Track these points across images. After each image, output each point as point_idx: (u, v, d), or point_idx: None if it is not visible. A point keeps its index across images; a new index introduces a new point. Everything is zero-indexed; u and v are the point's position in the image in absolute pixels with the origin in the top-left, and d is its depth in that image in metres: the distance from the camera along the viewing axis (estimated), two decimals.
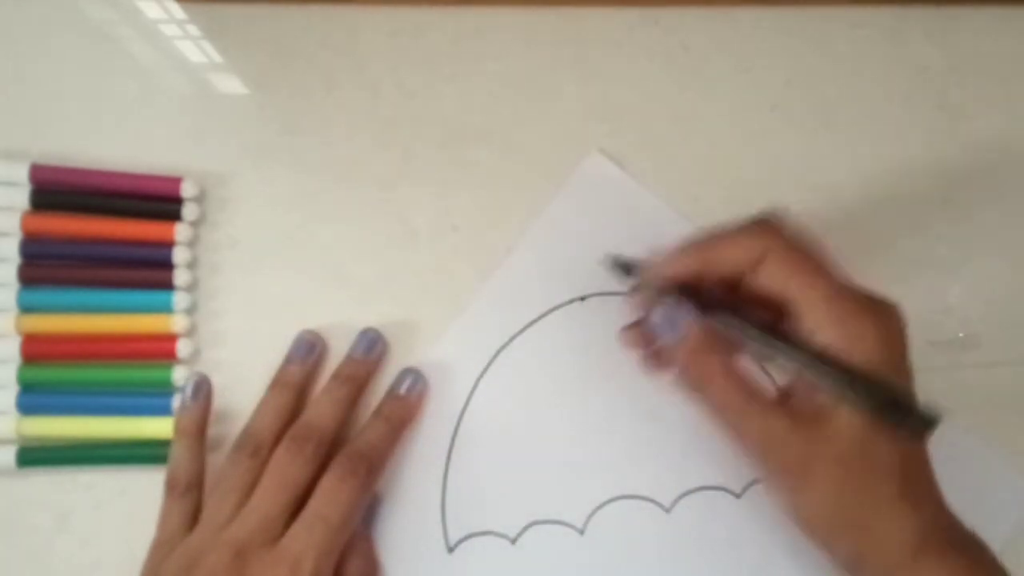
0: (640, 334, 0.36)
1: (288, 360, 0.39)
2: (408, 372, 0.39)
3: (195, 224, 0.41)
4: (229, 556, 0.33)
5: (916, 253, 0.41)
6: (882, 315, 0.31)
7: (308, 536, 0.34)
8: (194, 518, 0.36)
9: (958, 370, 0.40)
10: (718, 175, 0.42)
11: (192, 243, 0.41)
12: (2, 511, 0.40)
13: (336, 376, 0.39)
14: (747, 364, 0.33)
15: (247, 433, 0.37)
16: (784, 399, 0.32)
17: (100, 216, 0.40)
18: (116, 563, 0.39)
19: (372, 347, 0.39)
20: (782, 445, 0.31)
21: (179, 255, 0.40)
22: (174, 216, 0.40)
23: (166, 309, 0.40)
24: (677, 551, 0.38)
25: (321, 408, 0.37)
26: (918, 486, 0.31)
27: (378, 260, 0.41)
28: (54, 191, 0.40)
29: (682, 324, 0.33)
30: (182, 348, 0.40)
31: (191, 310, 0.40)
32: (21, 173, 0.40)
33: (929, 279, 0.41)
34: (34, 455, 0.39)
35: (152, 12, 0.43)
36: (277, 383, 0.38)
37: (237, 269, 0.41)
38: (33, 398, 0.40)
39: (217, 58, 0.43)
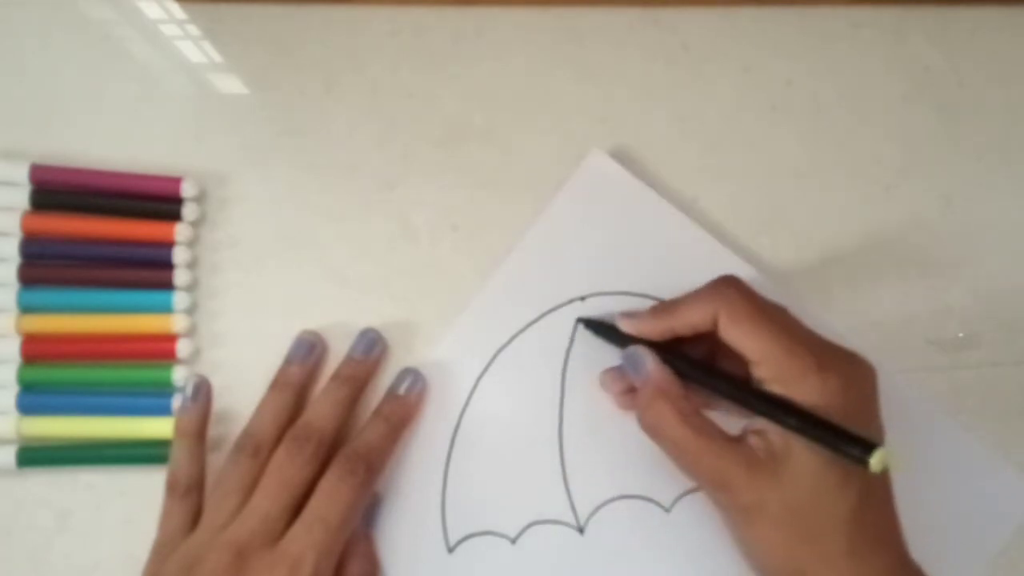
0: (616, 375, 0.38)
1: (288, 361, 0.39)
2: (408, 372, 0.39)
3: (195, 224, 0.41)
4: (229, 556, 0.33)
5: (916, 253, 0.41)
6: (832, 367, 0.32)
7: (308, 536, 0.34)
8: (195, 519, 0.36)
9: (958, 370, 0.40)
10: (718, 175, 0.42)
11: (192, 243, 0.41)
12: (2, 511, 0.40)
13: (336, 377, 0.39)
14: (706, 407, 0.36)
15: (247, 434, 0.37)
16: (741, 440, 0.33)
17: (100, 216, 0.40)
18: (116, 563, 0.39)
19: (372, 347, 0.39)
20: (733, 487, 0.32)
21: (179, 255, 0.40)
22: (174, 216, 0.40)
23: (166, 309, 0.40)
24: (677, 551, 0.38)
25: (321, 409, 0.37)
26: (869, 538, 0.32)
27: (378, 260, 0.41)
28: (54, 191, 0.40)
29: (643, 367, 0.35)
30: (182, 348, 0.40)
31: (191, 310, 0.40)
32: (21, 173, 0.40)
33: (929, 279, 0.41)
34: (34, 455, 0.39)
35: (152, 12, 0.43)
36: (277, 384, 0.38)
37: (237, 269, 0.41)
38: (33, 398, 0.40)
39: (217, 58, 0.43)
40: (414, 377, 0.39)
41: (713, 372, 0.35)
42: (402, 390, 0.39)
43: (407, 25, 0.42)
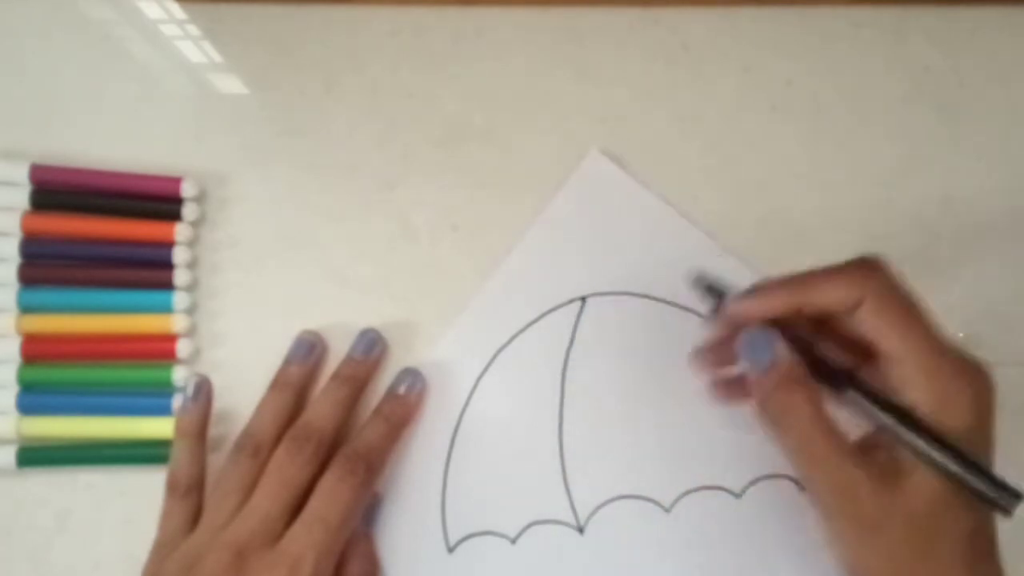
0: (715, 358, 0.35)
1: (288, 361, 0.39)
2: (407, 372, 0.39)
3: (195, 224, 0.41)
4: (229, 556, 0.33)
5: (916, 253, 0.41)
6: (975, 379, 0.30)
7: (307, 536, 0.34)
8: (195, 519, 0.36)
9: None
10: (718, 175, 0.42)
11: (192, 243, 0.41)
12: (2, 511, 0.40)
13: (336, 377, 0.39)
14: (831, 407, 0.32)
15: (247, 434, 0.37)
16: (864, 449, 0.31)
17: (100, 216, 0.40)
18: (116, 563, 0.39)
19: (372, 347, 0.39)
20: (856, 498, 0.30)
21: (179, 255, 0.40)
22: (174, 216, 0.40)
23: (166, 309, 0.40)
24: (677, 551, 0.38)
25: (321, 409, 0.37)
26: (983, 560, 0.30)
27: (378, 260, 0.41)
28: (54, 191, 0.40)
29: (772, 352, 0.31)
30: (182, 348, 0.40)
31: (191, 310, 0.40)
32: (21, 173, 0.40)
33: (929, 279, 0.41)
34: (34, 455, 0.39)
35: (152, 12, 0.43)
36: (277, 383, 0.38)
37: (237, 269, 0.41)
38: (33, 398, 0.40)
39: (217, 58, 0.43)
40: (414, 377, 0.39)
41: (856, 379, 0.31)
42: (402, 390, 0.39)
43: (407, 25, 0.42)
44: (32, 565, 0.39)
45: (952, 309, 0.41)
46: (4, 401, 0.39)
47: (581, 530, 0.38)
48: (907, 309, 0.30)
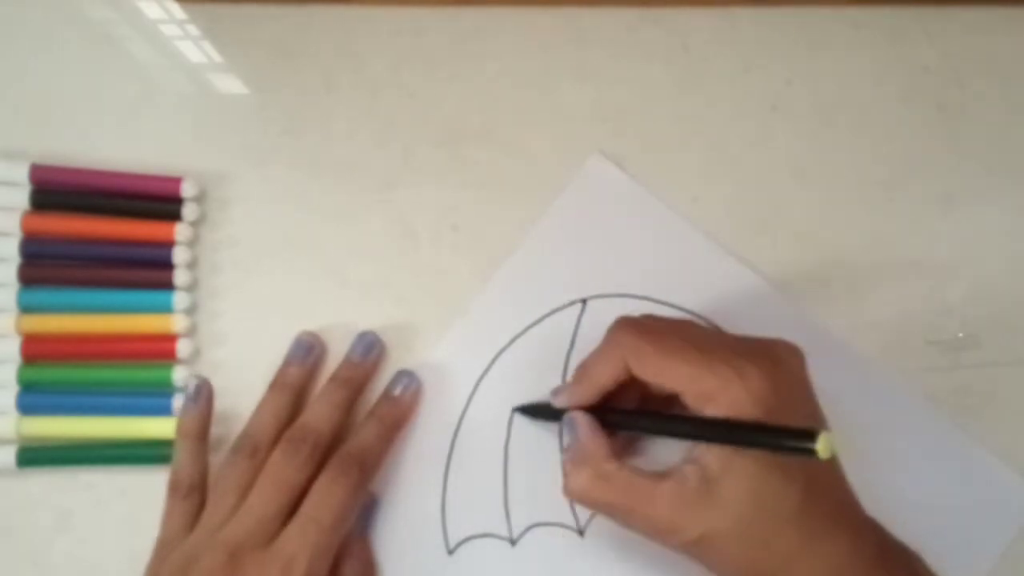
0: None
1: (287, 362, 0.39)
2: (402, 374, 0.39)
3: (195, 224, 0.41)
4: (224, 556, 0.33)
5: (916, 253, 0.41)
6: (753, 369, 0.32)
7: (301, 537, 0.34)
8: (196, 519, 0.36)
9: (958, 370, 0.40)
10: (718, 175, 0.42)
11: (192, 243, 0.41)
12: (2, 511, 0.40)
13: (334, 379, 0.39)
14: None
15: (245, 435, 0.37)
16: (671, 475, 0.32)
17: (100, 216, 0.40)
18: (116, 563, 0.39)
19: (370, 350, 0.39)
20: (677, 527, 0.32)
21: (179, 255, 0.40)
22: (174, 216, 0.40)
23: (166, 309, 0.40)
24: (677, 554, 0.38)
25: (318, 411, 0.37)
26: (819, 527, 0.31)
27: (378, 260, 0.41)
28: (54, 191, 0.40)
29: (574, 433, 0.35)
30: (182, 348, 0.40)
31: (191, 310, 0.40)
32: (21, 173, 0.40)
33: (929, 279, 0.41)
34: (34, 455, 0.39)
35: (152, 12, 0.43)
36: (276, 385, 0.38)
37: (237, 269, 0.41)
38: (33, 398, 0.40)
39: (217, 58, 0.43)
40: (409, 379, 0.39)
41: (638, 413, 0.35)
42: (397, 391, 0.39)
43: (407, 25, 0.42)
44: (32, 565, 0.39)
45: (952, 309, 0.41)
46: (4, 401, 0.39)
47: (581, 532, 0.38)
48: (660, 350, 0.33)
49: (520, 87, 0.42)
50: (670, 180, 0.41)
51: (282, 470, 0.35)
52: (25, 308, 0.40)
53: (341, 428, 0.38)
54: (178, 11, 0.43)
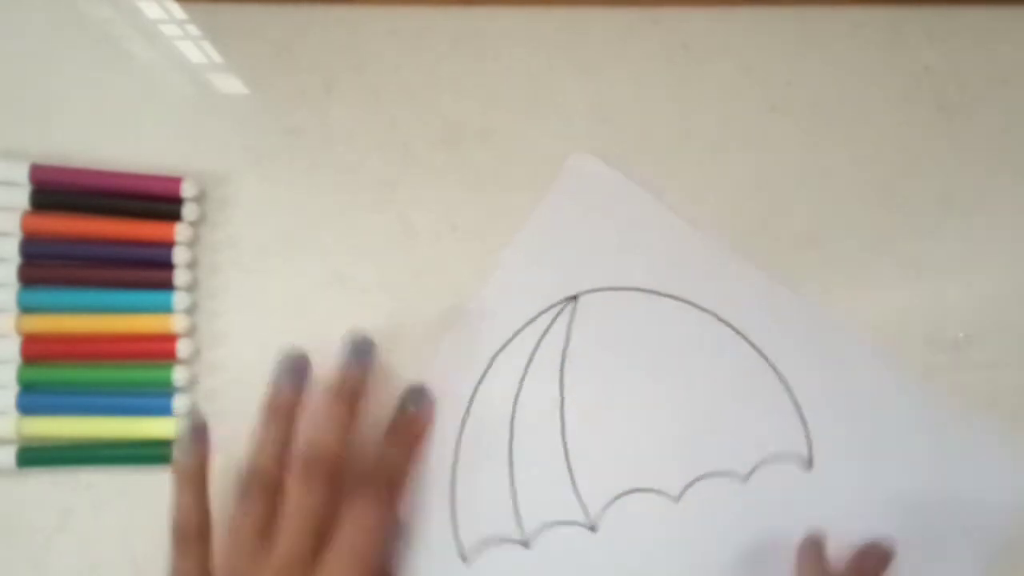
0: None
1: (277, 386, 0.37)
2: (414, 390, 0.39)
3: (195, 224, 0.41)
4: None
5: (916, 253, 0.41)
6: None
7: (343, 569, 0.33)
8: (207, 566, 0.35)
9: (958, 370, 0.40)
10: (718, 175, 0.42)
11: (192, 243, 0.41)
12: (2, 511, 0.40)
13: (331, 392, 0.37)
14: None
15: (252, 473, 0.36)
16: None
17: (100, 216, 0.40)
18: (116, 563, 0.39)
19: (362, 353, 0.38)
20: None
21: (179, 255, 0.40)
22: (174, 216, 0.40)
23: (166, 309, 0.40)
24: (688, 539, 0.38)
25: (325, 430, 0.36)
26: None
27: (378, 260, 0.41)
28: (54, 191, 0.40)
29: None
30: (182, 348, 0.40)
31: (191, 310, 0.40)
32: (21, 173, 0.40)
33: (929, 279, 0.41)
34: (34, 455, 0.39)
35: (152, 12, 0.43)
36: (270, 412, 0.37)
37: (237, 269, 0.41)
38: (33, 398, 0.40)
39: (217, 58, 0.43)
40: (420, 394, 0.39)
41: None
42: (411, 408, 0.38)
43: (407, 25, 0.42)
44: (32, 565, 0.39)
45: (952, 309, 0.41)
46: (4, 401, 0.39)
47: (593, 528, 0.38)
48: None
49: (520, 87, 0.42)
50: (670, 180, 0.41)
51: (305, 502, 0.34)
52: (25, 308, 0.40)
53: (347, 443, 0.37)
54: (178, 11, 0.43)
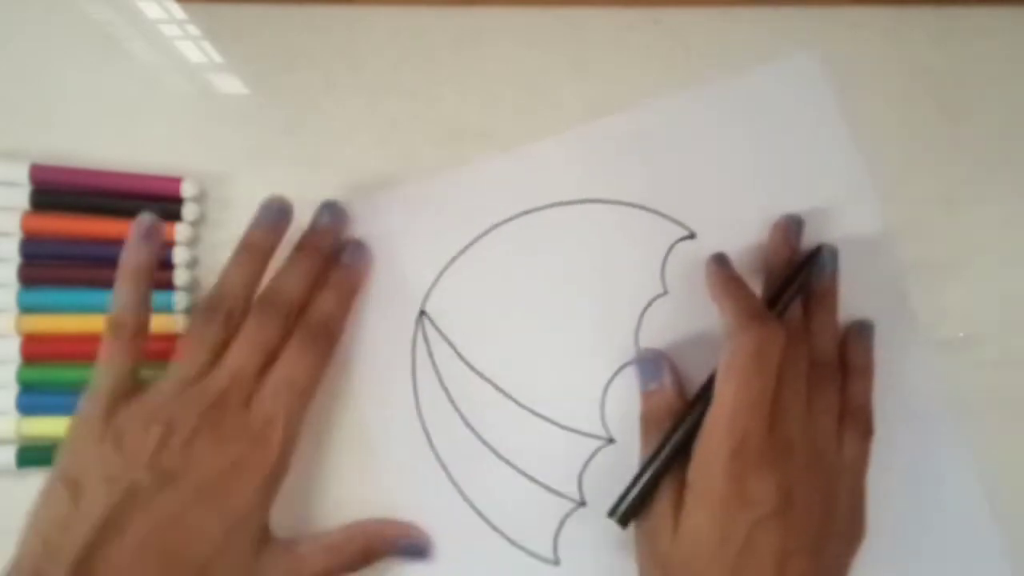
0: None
1: (255, 224, 0.38)
2: (352, 244, 0.40)
3: (195, 224, 0.41)
4: (203, 410, 0.34)
5: (916, 253, 0.41)
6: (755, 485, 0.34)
7: (277, 398, 0.35)
8: (137, 366, 0.36)
9: (958, 370, 0.40)
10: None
11: (192, 243, 0.41)
12: (2, 511, 0.39)
13: (301, 247, 0.39)
14: None
15: (219, 296, 0.37)
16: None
17: (100, 216, 0.40)
18: None
19: (334, 212, 0.39)
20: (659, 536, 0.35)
21: (179, 255, 0.40)
22: (174, 216, 0.40)
23: (166, 309, 0.40)
24: None
25: (289, 278, 0.38)
26: None
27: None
28: (54, 191, 0.40)
29: (659, 381, 0.39)
30: None
31: (191, 310, 0.40)
32: (21, 173, 0.40)
33: (929, 279, 0.41)
34: (34, 455, 0.39)
35: (152, 12, 0.43)
36: (245, 247, 0.38)
37: None
38: (33, 398, 0.40)
39: (217, 58, 0.43)
40: (355, 245, 0.40)
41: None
42: (347, 259, 0.39)
43: (407, 25, 0.42)
44: None
45: (952, 309, 0.41)
46: (4, 401, 0.39)
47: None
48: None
49: (520, 87, 0.42)
50: None
51: (259, 332, 0.36)
52: (25, 308, 0.40)
53: (308, 297, 0.38)
54: (178, 11, 0.43)
